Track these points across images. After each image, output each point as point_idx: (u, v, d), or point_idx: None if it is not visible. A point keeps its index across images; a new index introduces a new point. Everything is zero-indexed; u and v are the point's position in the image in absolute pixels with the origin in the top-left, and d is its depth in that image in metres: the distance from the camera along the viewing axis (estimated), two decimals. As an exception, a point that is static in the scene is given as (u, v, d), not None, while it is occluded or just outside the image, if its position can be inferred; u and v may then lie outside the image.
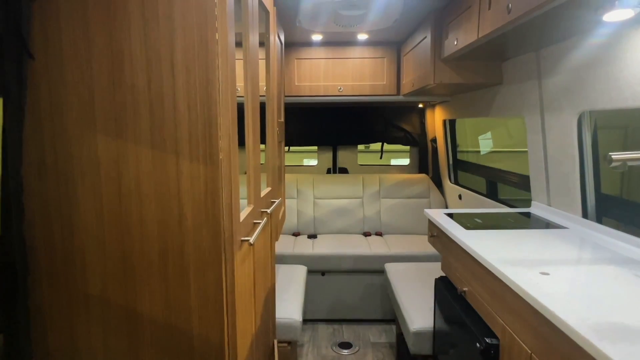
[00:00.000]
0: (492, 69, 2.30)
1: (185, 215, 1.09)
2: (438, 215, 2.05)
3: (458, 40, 1.96)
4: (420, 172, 4.11)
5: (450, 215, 2.06)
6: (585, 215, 1.81)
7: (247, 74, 1.39)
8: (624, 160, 1.03)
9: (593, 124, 1.78)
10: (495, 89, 2.42)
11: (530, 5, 1.30)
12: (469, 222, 1.92)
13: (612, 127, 2.99)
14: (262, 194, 1.65)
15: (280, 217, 2.35)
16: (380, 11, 2.13)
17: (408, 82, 2.86)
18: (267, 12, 1.74)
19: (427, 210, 2.16)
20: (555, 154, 1.93)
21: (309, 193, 3.65)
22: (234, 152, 1.16)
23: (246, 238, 1.27)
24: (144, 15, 1.03)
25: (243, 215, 1.30)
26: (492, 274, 1.36)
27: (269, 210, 1.66)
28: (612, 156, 1.03)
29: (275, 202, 1.85)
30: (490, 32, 1.61)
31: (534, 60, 1.97)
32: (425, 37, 2.38)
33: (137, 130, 1.07)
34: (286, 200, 3.56)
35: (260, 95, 1.59)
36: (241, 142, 1.34)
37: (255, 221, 1.45)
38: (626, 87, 1.44)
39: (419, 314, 2.19)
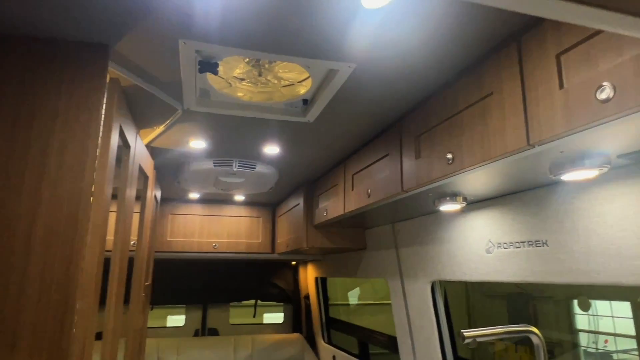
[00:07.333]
0: (357, 236, 2.56)
1: None
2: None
3: (327, 212, 2.18)
4: (294, 330, 4.00)
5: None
6: (448, 378, 1.91)
7: (118, 234, 1.30)
8: (474, 337, 1.16)
9: (443, 291, 2.02)
10: (361, 253, 2.66)
11: (385, 194, 1.56)
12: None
13: (457, 283, 3.44)
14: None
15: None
16: (258, 180, 2.30)
17: (283, 243, 2.97)
18: (146, 177, 1.74)
19: None
20: (417, 318, 2.09)
21: (171, 361, 3.21)
22: (90, 342, 1.00)
23: None
24: (3, 186, 0.94)
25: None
26: None
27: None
28: (465, 333, 1.16)
29: (131, 385, 1.58)
30: (354, 209, 1.84)
31: (391, 231, 2.26)
32: (299, 204, 2.59)
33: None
34: (143, 371, 3.05)
35: (130, 250, 1.47)
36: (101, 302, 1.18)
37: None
38: (463, 263, 1.71)
39: None
